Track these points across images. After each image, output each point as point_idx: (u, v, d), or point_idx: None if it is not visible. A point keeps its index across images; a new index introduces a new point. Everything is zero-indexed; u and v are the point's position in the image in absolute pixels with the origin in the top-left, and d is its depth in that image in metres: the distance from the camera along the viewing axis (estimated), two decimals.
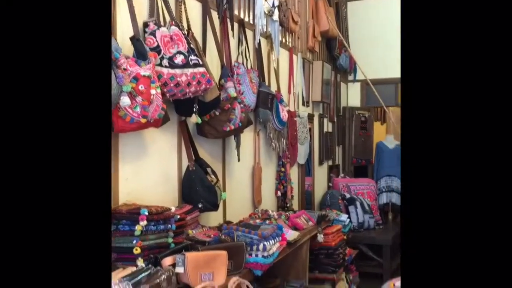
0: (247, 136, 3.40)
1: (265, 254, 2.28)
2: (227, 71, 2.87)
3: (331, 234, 3.78)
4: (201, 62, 2.32)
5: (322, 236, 3.57)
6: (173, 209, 2.10)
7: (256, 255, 2.26)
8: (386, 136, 6.27)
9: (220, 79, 2.80)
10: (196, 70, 2.27)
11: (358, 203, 5.19)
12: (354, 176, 6.03)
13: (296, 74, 4.47)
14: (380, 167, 5.87)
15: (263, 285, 2.80)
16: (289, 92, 4.29)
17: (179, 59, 2.21)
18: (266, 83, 3.65)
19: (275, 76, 3.93)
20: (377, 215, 5.42)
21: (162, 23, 2.34)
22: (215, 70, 2.83)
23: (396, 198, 5.74)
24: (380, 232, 5.15)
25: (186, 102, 2.40)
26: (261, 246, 2.27)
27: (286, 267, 3.22)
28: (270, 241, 2.37)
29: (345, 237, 4.10)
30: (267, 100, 3.44)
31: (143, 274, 1.67)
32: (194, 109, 2.46)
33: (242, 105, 2.91)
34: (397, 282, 3.10)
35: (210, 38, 2.83)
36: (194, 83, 2.26)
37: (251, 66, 3.35)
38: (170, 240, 2.02)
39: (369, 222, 5.18)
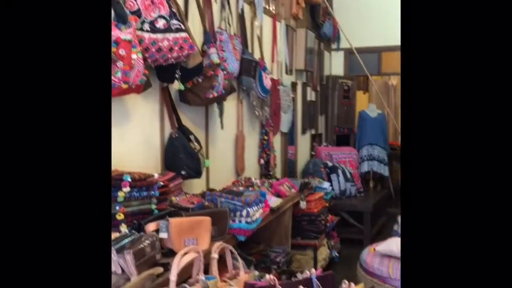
0: (230, 104, 3.38)
1: (249, 220, 2.30)
2: (210, 37, 2.83)
3: (313, 201, 3.83)
4: (183, 27, 2.27)
5: (304, 203, 3.62)
6: (156, 175, 2.09)
7: (240, 221, 2.28)
8: (369, 105, 6.31)
9: (202, 45, 2.75)
10: (178, 35, 2.22)
11: (340, 171, 5.25)
12: (337, 145, 6.08)
13: (279, 42, 4.42)
14: (362, 136, 5.92)
15: (246, 251, 2.84)
16: (272, 60, 4.25)
17: (160, 24, 2.16)
18: (249, 51, 3.61)
19: (258, 43, 3.89)
20: (358, 183, 5.50)
21: None
22: (198, 36, 2.78)
23: (377, 167, 5.83)
24: (361, 200, 5.23)
25: (168, 68, 2.36)
26: (244, 212, 2.29)
27: (269, 233, 3.26)
28: (253, 207, 2.39)
29: (327, 204, 4.17)
30: (250, 68, 3.41)
31: (126, 240, 1.67)
32: (176, 76, 2.42)
33: (225, 72, 2.88)
34: (377, 247, 3.18)
35: (192, 3, 2.77)
36: (176, 48, 2.22)
37: (234, 33, 3.30)
38: (153, 206, 2.03)
39: (350, 190, 5.26)
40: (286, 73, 4.68)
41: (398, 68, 6.24)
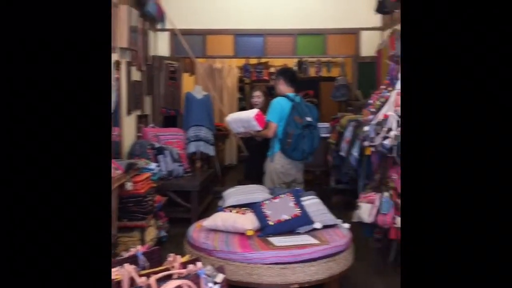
0: None
1: None
2: None
3: (140, 182, 3.79)
4: None
5: (131, 184, 3.56)
6: None
7: None
8: (195, 86, 6.42)
9: None
10: None
11: (167, 152, 5.27)
12: (164, 126, 6.07)
13: None
14: (188, 117, 6.00)
15: None
16: None
17: None
18: None
19: None
20: (185, 163, 5.60)
21: None
22: None
23: (203, 147, 5.98)
24: (188, 179, 5.34)
25: None
26: None
27: None
28: None
29: (154, 185, 4.16)
30: None
31: None
32: None
33: None
34: (203, 222, 3.30)
35: None
36: None
37: None
38: None
39: (178, 170, 5.33)
40: None
41: (222, 52, 6.47)
